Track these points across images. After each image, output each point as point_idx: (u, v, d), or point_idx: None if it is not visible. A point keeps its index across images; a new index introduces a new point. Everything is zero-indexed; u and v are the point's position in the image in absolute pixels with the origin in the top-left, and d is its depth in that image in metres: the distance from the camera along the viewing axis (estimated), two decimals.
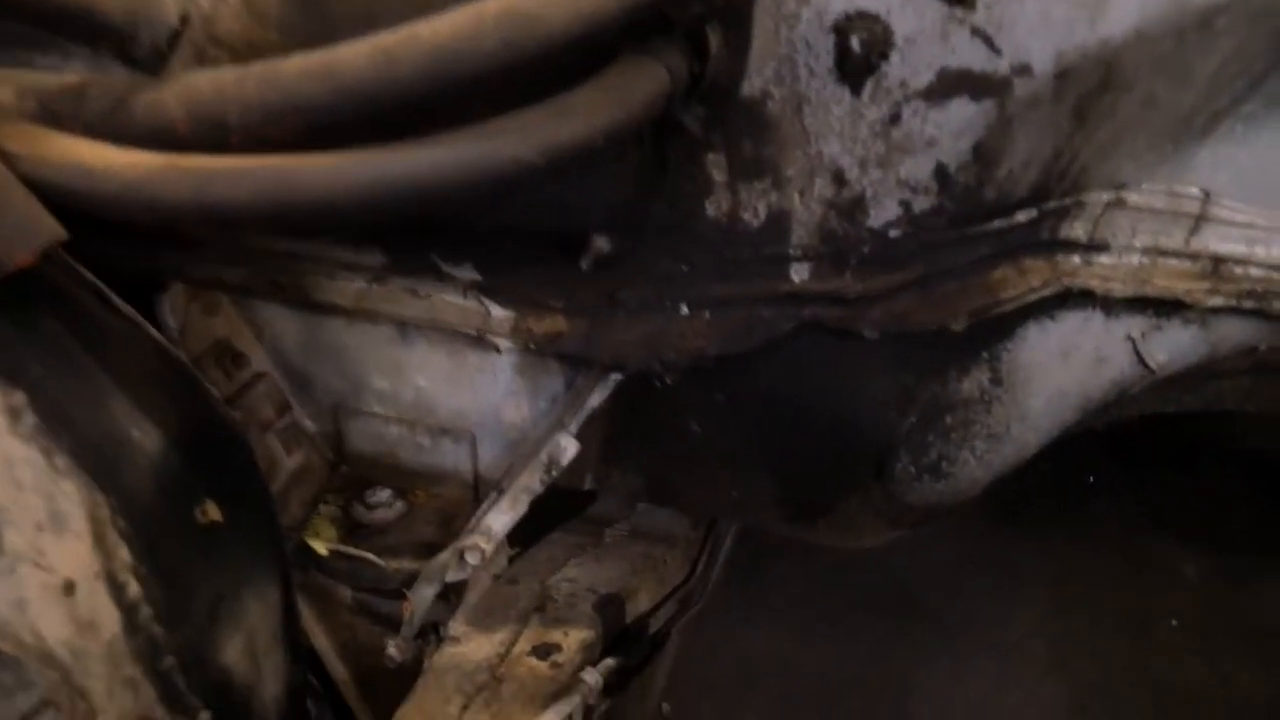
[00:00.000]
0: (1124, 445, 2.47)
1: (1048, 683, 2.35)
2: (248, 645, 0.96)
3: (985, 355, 1.15)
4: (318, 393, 1.29)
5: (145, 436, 0.87)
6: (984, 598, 2.50)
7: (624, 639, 1.31)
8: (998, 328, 1.13)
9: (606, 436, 1.34)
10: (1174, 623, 2.48)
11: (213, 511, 0.91)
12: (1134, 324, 1.11)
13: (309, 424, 1.30)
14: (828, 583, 2.53)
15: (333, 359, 1.26)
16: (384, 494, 1.26)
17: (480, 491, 1.29)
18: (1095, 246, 1.05)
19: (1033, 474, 2.61)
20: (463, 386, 1.24)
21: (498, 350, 1.14)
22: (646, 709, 1.47)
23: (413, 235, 1.14)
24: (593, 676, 1.17)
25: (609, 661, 1.22)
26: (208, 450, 0.93)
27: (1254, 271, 1.04)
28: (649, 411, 1.26)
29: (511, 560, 1.35)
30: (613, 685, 1.24)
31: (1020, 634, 2.44)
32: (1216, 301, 1.03)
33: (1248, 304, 1.03)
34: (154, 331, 0.92)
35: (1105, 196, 1.03)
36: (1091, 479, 2.50)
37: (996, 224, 1.03)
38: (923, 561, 2.55)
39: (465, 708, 1.09)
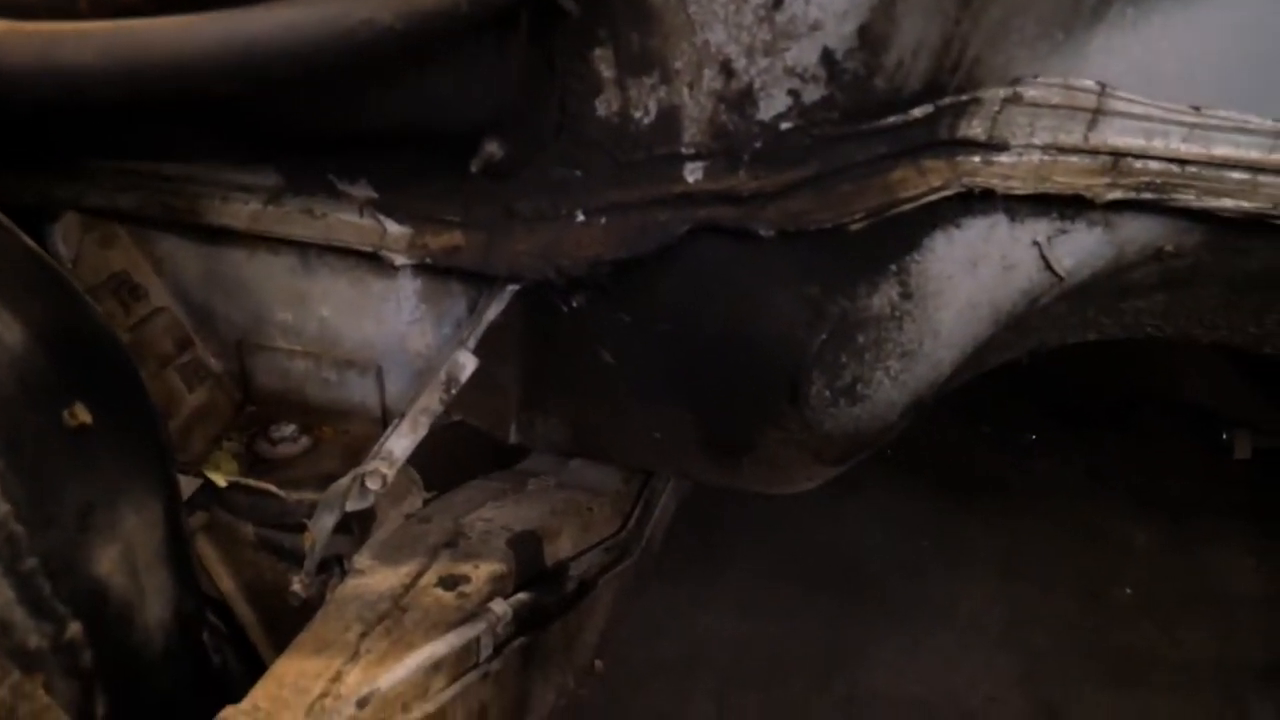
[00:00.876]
0: (1064, 404, 2.47)
1: (1000, 653, 2.32)
2: (125, 559, 0.93)
3: (894, 268, 1.13)
4: (221, 328, 1.26)
5: (7, 331, 0.84)
6: (936, 574, 2.47)
7: (542, 578, 1.27)
8: (904, 238, 1.11)
9: (524, 378, 1.32)
10: (1127, 590, 2.46)
11: (82, 414, 0.88)
12: (1039, 228, 1.09)
13: (213, 361, 1.27)
14: (779, 562, 2.50)
15: (234, 292, 1.24)
16: (288, 429, 1.22)
17: (389, 425, 1.25)
18: (995, 145, 1.04)
19: (975, 435, 2.61)
20: (367, 316, 1.21)
21: (394, 266, 1.11)
22: (574, 662, 1.43)
23: (307, 154, 1.11)
24: (501, 607, 1.13)
25: (521, 596, 1.19)
26: (76, 351, 0.90)
27: (1153, 165, 1.03)
28: (561, 344, 1.24)
29: (428, 504, 1.32)
30: (527, 621, 1.21)
31: (973, 607, 2.42)
32: (1116, 195, 1.02)
33: (1146, 196, 1.02)
34: (20, 232, 0.89)
35: (1002, 92, 1.02)
36: (1034, 437, 2.49)
37: (892, 120, 1.01)
38: (874, 540, 2.53)
39: (364, 635, 1.05)
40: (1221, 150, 1.02)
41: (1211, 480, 2.39)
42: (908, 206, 1.04)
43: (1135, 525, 2.56)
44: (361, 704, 0.94)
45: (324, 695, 0.97)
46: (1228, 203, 1.02)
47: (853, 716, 2.18)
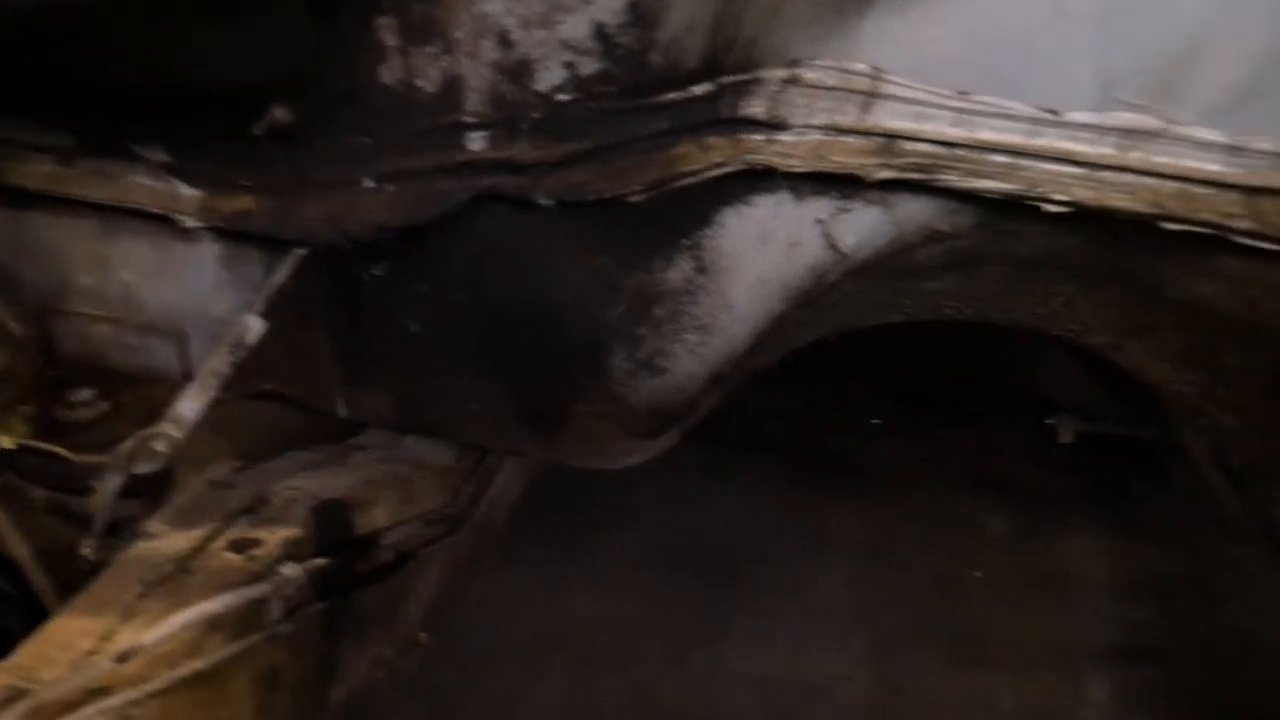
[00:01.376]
0: (903, 388, 2.54)
1: (851, 633, 2.39)
2: None
3: (687, 243, 1.16)
4: (23, 292, 1.25)
5: None
6: (794, 559, 2.53)
7: (348, 546, 1.28)
8: (696, 214, 1.14)
9: (340, 350, 1.32)
10: (978, 574, 2.54)
11: None
12: (822, 206, 1.13)
13: (14, 325, 1.25)
14: (641, 546, 2.53)
15: (36, 256, 1.22)
16: (85, 393, 1.21)
17: None
18: (775, 124, 1.07)
19: (815, 420, 2.66)
20: (169, 280, 1.21)
21: (186, 230, 1.11)
22: (395, 633, 1.44)
23: (100, 114, 1.11)
24: (293, 571, 1.14)
25: (319, 561, 1.19)
26: None
27: (923, 147, 1.07)
28: (369, 315, 1.25)
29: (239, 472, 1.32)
30: (328, 587, 1.22)
31: (827, 589, 2.48)
32: (886, 175, 1.06)
33: (914, 176, 1.06)
34: None
35: (781, 73, 1.06)
36: (876, 422, 2.56)
37: (672, 96, 1.04)
38: (734, 527, 2.57)
39: (143, 596, 1.05)
40: (985, 134, 1.06)
41: (1040, 464, 2.48)
42: (689, 181, 1.07)
43: (988, 509, 2.65)
44: (122, 658, 0.94)
45: (92, 653, 0.97)
46: (989, 184, 1.07)
47: (705, 695, 2.23)
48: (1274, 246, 1.07)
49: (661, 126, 1.05)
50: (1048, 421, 2.34)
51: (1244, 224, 1.05)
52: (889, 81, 1.06)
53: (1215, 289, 1.17)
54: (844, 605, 2.45)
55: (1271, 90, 1.01)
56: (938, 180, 1.08)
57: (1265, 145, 1.03)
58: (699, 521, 2.61)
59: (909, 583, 2.50)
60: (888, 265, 1.22)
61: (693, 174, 1.07)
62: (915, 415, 2.53)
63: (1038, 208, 1.08)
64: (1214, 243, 1.08)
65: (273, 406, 1.37)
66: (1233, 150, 1.04)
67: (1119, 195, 1.06)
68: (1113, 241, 1.14)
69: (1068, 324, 1.38)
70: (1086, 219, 1.10)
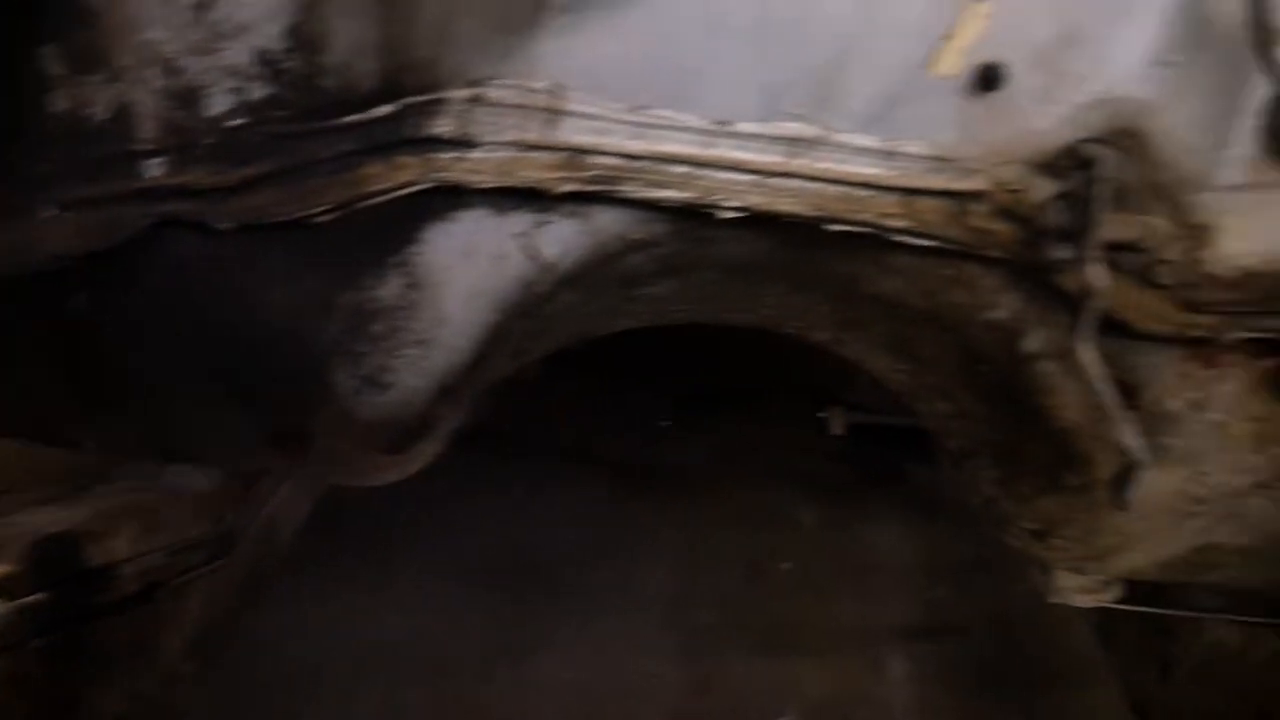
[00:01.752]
0: (693, 391, 2.61)
1: (664, 632, 2.44)
2: None
3: (395, 260, 1.18)
4: None
5: None
6: (608, 561, 2.57)
7: (77, 579, 1.26)
8: (402, 232, 1.16)
9: (73, 384, 1.30)
10: (787, 566, 2.63)
11: None
12: (521, 221, 1.17)
13: None
14: (453, 561, 2.54)
15: None
16: None
17: None
18: (465, 143, 1.11)
19: (605, 420, 2.71)
20: None
21: None
22: (155, 664, 1.43)
23: None
24: (2, 607, 1.12)
25: (36, 597, 1.18)
26: None
27: (607, 160, 1.12)
28: (87, 345, 1.24)
29: None
30: (47, 622, 1.20)
31: (641, 590, 2.53)
32: (569, 188, 1.11)
33: (597, 188, 1.11)
34: None
35: (465, 93, 1.09)
36: (666, 424, 2.63)
37: (354, 118, 1.06)
38: (548, 534, 2.60)
39: None
40: (664, 146, 1.12)
41: (820, 456, 2.59)
42: (380, 200, 1.10)
43: (798, 503, 2.74)
44: None
45: None
46: (669, 193, 1.12)
47: (516, 705, 2.25)
48: (931, 244, 1.15)
49: (345, 148, 1.07)
50: (820, 415, 2.43)
51: (901, 223, 1.13)
52: (570, 98, 1.10)
53: (899, 284, 1.25)
54: (658, 605, 2.50)
55: (915, 97, 1.08)
56: (620, 192, 1.12)
57: (915, 149, 1.11)
58: (513, 533, 2.63)
59: (721, 579, 2.57)
60: (599, 275, 1.26)
61: (383, 193, 1.09)
62: (702, 416, 2.60)
63: (716, 214, 1.14)
64: (887, 241, 1.16)
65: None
66: (887, 155, 1.12)
67: (787, 200, 1.13)
68: (804, 243, 1.21)
69: (791, 322, 1.45)
70: (774, 224, 1.16)
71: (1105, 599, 1.69)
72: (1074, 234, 1.05)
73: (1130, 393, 1.18)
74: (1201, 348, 1.13)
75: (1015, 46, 1.05)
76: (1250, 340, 1.11)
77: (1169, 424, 1.19)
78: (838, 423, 2.43)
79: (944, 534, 2.66)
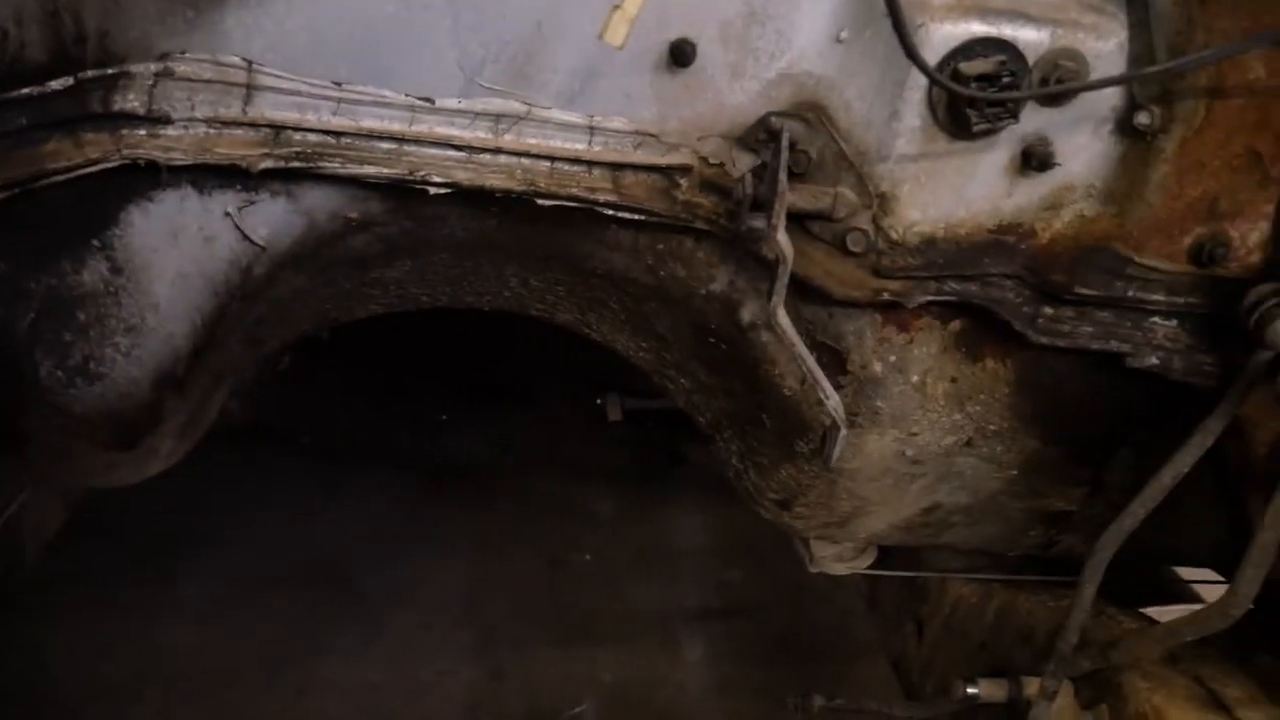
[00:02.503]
0: (473, 382, 2.61)
1: (459, 628, 2.42)
2: None
3: (96, 244, 1.13)
4: None
5: None
6: (406, 560, 2.53)
7: None
8: (99, 213, 1.12)
9: None
10: (586, 556, 2.65)
11: None
12: (228, 199, 1.14)
13: None
14: (244, 568, 2.46)
15: None
16: None
17: None
18: (158, 119, 1.07)
19: (385, 417, 2.67)
20: None
21: None
22: None
23: None
24: None
25: None
26: None
27: (311, 137, 1.10)
28: None
29: None
30: None
31: (438, 588, 2.50)
32: (268, 164, 1.08)
33: (296, 164, 1.09)
34: None
35: (152, 67, 1.05)
36: (445, 417, 2.62)
37: (26, 92, 1.01)
38: (338, 535, 2.54)
39: None
40: (369, 123, 1.11)
41: (599, 442, 2.63)
42: (66, 177, 1.05)
43: (597, 494, 2.76)
44: None
45: None
46: (373, 170, 1.11)
47: (300, 709, 2.19)
48: (641, 217, 1.17)
49: (20, 123, 1.02)
50: (597, 401, 2.46)
51: (610, 197, 1.15)
52: (265, 74, 1.08)
53: (624, 260, 1.27)
54: (453, 603, 2.48)
55: (611, 74, 1.10)
56: (325, 168, 1.11)
57: (618, 125, 1.13)
58: (309, 537, 2.57)
59: (518, 573, 2.57)
60: (324, 257, 1.24)
61: (66, 170, 1.05)
62: (481, 407, 2.60)
63: (427, 191, 1.13)
64: (603, 216, 1.18)
65: None
66: (591, 130, 1.13)
67: (496, 175, 1.13)
68: (526, 220, 1.21)
69: (536, 304, 1.46)
70: (491, 200, 1.17)
71: (860, 566, 1.77)
72: (766, 204, 1.09)
73: (839, 359, 1.24)
74: (895, 312, 1.18)
75: (703, 23, 1.08)
76: (938, 304, 1.18)
77: (876, 387, 1.25)
78: (614, 409, 2.46)
79: (738, 515, 2.72)
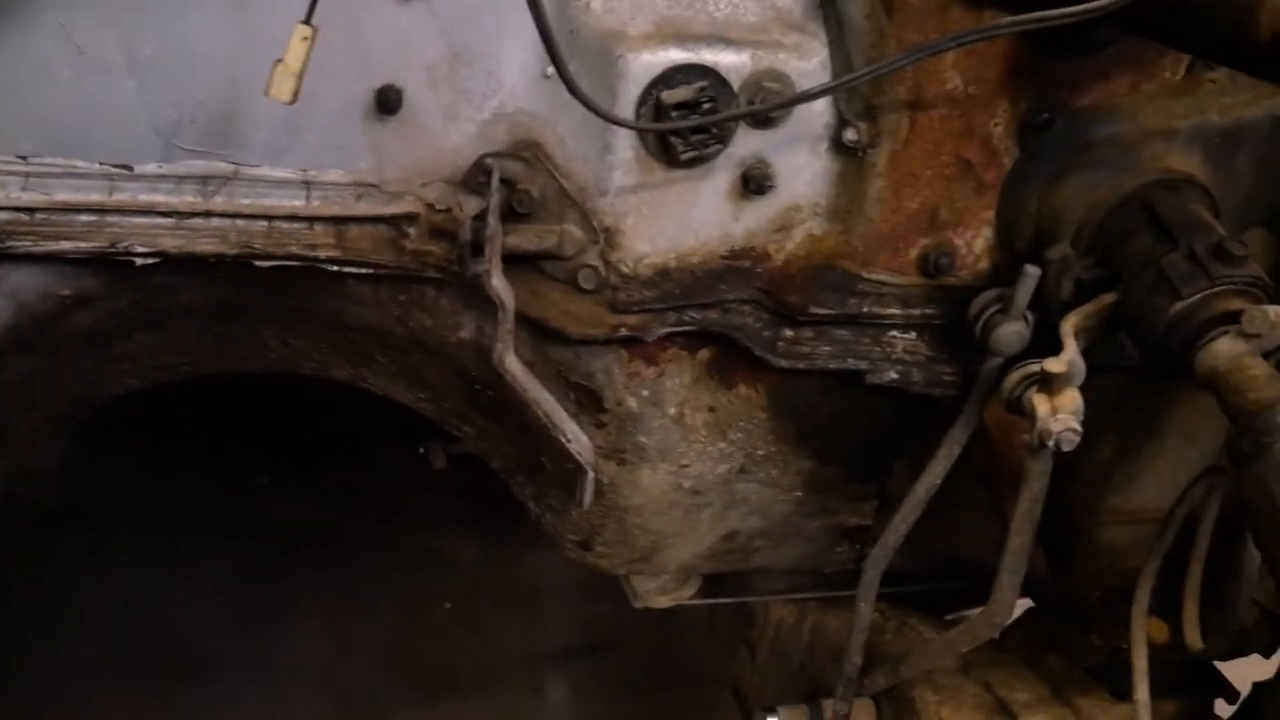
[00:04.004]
0: (293, 442, 2.55)
1: (318, 692, 2.34)
2: None
3: None
4: None
5: None
6: (261, 628, 2.44)
7: None
8: None
9: None
10: (447, 605, 2.58)
11: None
12: None
13: None
14: (91, 652, 2.33)
15: None
16: None
17: None
18: None
19: (210, 485, 2.58)
20: None
21: None
22: None
23: None
24: None
25: None
26: None
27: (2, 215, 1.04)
28: None
29: None
30: None
31: (295, 654, 2.41)
32: None
33: None
34: None
35: None
36: (264, 480, 2.55)
37: None
38: (185, 612, 2.43)
39: None
40: (64, 195, 1.05)
41: (427, 491, 2.58)
42: None
43: (463, 547, 2.69)
44: None
45: None
46: (72, 244, 1.06)
47: None
48: (371, 271, 1.13)
49: None
50: (420, 451, 2.42)
51: (331, 253, 1.11)
52: None
53: (374, 314, 1.23)
54: (311, 667, 2.40)
55: (318, 126, 1.06)
56: (18, 248, 1.05)
57: (335, 178, 1.09)
58: (157, 614, 2.45)
59: (377, 629, 2.49)
60: (48, 336, 1.18)
61: None
62: (301, 467, 2.54)
63: (134, 262, 1.08)
64: (330, 273, 1.14)
65: None
66: (309, 185, 1.09)
67: (209, 240, 1.09)
68: (263, 283, 1.17)
69: (305, 363, 1.41)
70: (218, 266, 1.12)
71: (683, 596, 1.74)
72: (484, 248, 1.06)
73: (595, 398, 1.21)
74: (639, 346, 1.16)
75: (407, 69, 1.05)
76: (682, 334, 1.16)
77: (636, 423, 1.22)
78: (438, 457, 2.42)
79: None
